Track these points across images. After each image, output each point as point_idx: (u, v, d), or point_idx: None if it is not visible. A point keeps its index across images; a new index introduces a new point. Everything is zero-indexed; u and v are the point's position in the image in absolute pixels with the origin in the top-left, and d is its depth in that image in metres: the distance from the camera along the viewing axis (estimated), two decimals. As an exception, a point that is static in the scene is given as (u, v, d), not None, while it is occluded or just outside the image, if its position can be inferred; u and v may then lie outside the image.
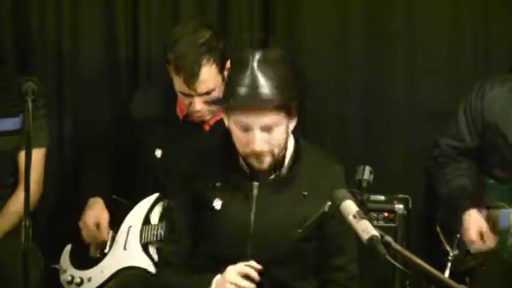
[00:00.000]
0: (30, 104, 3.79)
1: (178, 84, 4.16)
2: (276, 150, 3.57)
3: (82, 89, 4.91)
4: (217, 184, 3.66)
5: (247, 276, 3.52)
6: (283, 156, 3.65)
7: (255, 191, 3.65)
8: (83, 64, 4.90)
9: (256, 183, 3.65)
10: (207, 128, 4.35)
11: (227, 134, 3.65)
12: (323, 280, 3.72)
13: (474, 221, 4.29)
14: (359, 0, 4.89)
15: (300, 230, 3.58)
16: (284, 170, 3.66)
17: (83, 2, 4.86)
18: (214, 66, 4.12)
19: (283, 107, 3.52)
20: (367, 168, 3.29)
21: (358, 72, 4.91)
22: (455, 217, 4.33)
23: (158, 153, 4.37)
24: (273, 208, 3.64)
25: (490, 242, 4.26)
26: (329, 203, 3.49)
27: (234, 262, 3.59)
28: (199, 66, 4.10)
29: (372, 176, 3.29)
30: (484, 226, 4.28)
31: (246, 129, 3.51)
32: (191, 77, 4.10)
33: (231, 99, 3.52)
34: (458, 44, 4.87)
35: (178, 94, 4.21)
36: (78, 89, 4.91)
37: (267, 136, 3.52)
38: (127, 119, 4.46)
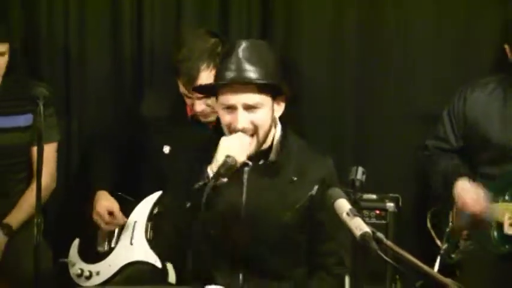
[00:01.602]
0: (41, 108, 3.84)
1: (180, 86, 4.23)
2: (260, 132, 3.60)
3: (88, 89, 4.92)
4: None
5: None
6: (271, 143, 3.69)
7: (245, 176, 3.67)
8: (89, 65, 4.89)
9: (246, 169, 3.66)
10: (211, 127, 4.32)
11: (217, 128, 3.72)
12: (313, 266, 3.74)
13: (467, 188, 4.31)
14: (353, 6, 4.88)
15: (289, 213, 3.63)
16: (272, 156, 3.68)
17: (89, 6, 4.87)
18: (214, 71, 4.09)
19: (267, 89, 3.58)
20: (360, 169, 3.25)
21: (351, 76, 4.89)
22: (450, 193, 4.34)
23: (166, 149, 4.40)
24: (263, 192, 3.66)
25: (484, 205, 4.28)
26: (316, 187, 3.63)
27: (227, 241, 3.65)
28: (198, 71, 4.14)
29: (364, 176, 3.26)
30: (477, 191, 4.29)
31: (231, 108, 3.56)
32: (190, 81, 4.14)
33: (218, 81, 3.60)
34: (442, 50, 4.86)
35: (183, 95, 4.25)
36: (85, 89, 4.91)
37: (250, 116, 3.56)
38: (136, 117, 4.50)
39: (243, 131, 3.55)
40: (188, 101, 4.23)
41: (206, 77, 4.13)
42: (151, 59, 4.91)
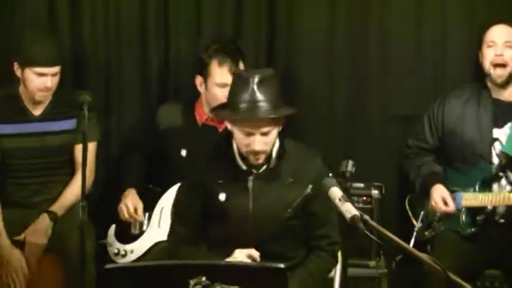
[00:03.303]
0: (86, 112, 3.99)
1: (221, 76, 4.31)
2: (270, 148, 3.64)
3: (124, 97, 4.90)
4: (220, 181, 3.69)
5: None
6: (271, 152, 3.69)
7: (250, 183, 3.68)
8: (124, 76, 4.87)
9: (251, 177, 3.69)
10: (220, 130, 4.40)
11: (225, 140, 3.72)
12: (311, 247, 3.78)
13: (439, 191, 4.36)
14: (342, 21, 4.83)
15: (289, 210, 3.66)
16: (272, 163, 3.69)
17: (123, 24, 4.83)
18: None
19: (277, 118, 3.62)
20: (350, 162, 3.23)
21: (342, 83, 4.87)
22: (426, 193, 4.39)
23: (183, 152, 4.45)
24: (266, 195, 3.69)
25: (451, 206, 4.32)
26: (311, 186, 3.64)
27: (238, 241, 3.67)
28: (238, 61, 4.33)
29: (353, 168, 3.22)
30: (447, 194, 4.34)
31: (249, 134, 3.58)
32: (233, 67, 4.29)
33: (236, 113, 3.58)
34: (422, 60, 4.83)
35: (216, 90, 4.31)
36: (121, 97, 4.89)
37: (264, 139, 3.60)
38: (156, 128, 4.52)
39: (259, 151, 3.59)
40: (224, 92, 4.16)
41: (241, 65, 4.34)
42: (176, 71, 4.88)
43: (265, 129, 3.58)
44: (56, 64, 4.28)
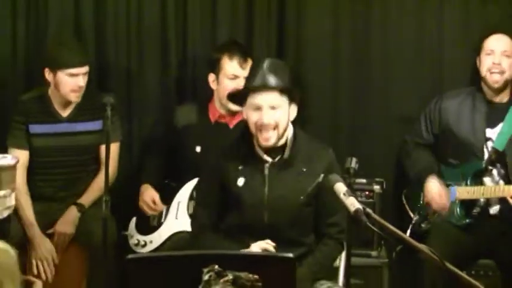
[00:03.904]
0: (109, 112, 4.07)
1: (231, 68, 4.39)
2: (280, 127, 3.67)
3: (144, 99, 4.90)
4: (240, 167, 3.74)
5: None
6: (285, 142, 3.73)
7: (266, 171, 3.72)
8: (145, 80, 4.89)
9: (267, 165, 3.72)
10: (231, 127, 4.48)
11: (245, 132, 3.78)
12: (321, 234, 3.81)
13: (434, 185, 4.39)
14: (345, 29, 4.86)
15: (302, 197, 3.69)
16: (286, 153, 3.73)
17: (143, 32, 4.84)
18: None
19: (284, 94, 3.68)
20: (354, 159, 3.29)
21: (346, 85, 4.90)
22: (421, 187, 4.42)
23: (198, 149, 4.49)
24: (281, 182, 3.72)
25: (446, 199, 4.36)
26: (322, 175, 3.66)
27: (254, 227, 3.69)
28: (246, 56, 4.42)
29: (357, 165, 3.29)
30: (442, 188, 4.38)
31: (258, 108, 3.65)
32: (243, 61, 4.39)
33: (249, 85, 3.71)
34: (421, 64, 4.84)
35: (226, 81, 4.39)
36: (142, 99, 4.91)
37: (273, 113, 3.65)
38: (174, 127, 4.57)
39: (268, 125, 3.65)
40: (234, 83, 4.37)
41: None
42: (193, 73, 4.88)
43: (273, 103, 3.64)
44: (86, 64, 4.37)
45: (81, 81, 4.33)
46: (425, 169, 4.47)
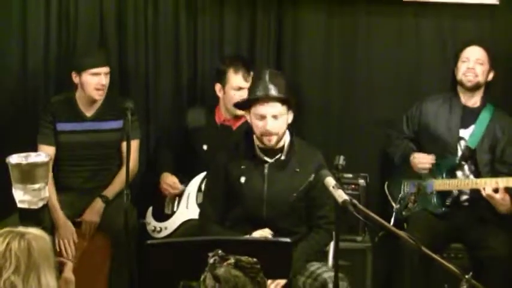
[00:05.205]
0: (129, 115, 4.09)
1: (236, 81, 4.40)
2: (280, 133, 3.75)
3: (160, 103, 4.87)
4: (242, 167, 3.82)
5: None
6: (283, 146, 3.80)
7: (266, 170, 3.80)
8: (160, 86, 4.86)
9: (266, 165, 3.81)
10: (234, 128, 4.50)
11: (247, 134, 3.86)
12: (311, 225, 3.87)
13: (418, 154, 4.44)
14: (336, 45, 4.84)
15: (295, 194, 3.75)
16: (283, 155, 3.81)
17: (159, 43, 4.82)
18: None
19: (284, 102, 3.74)
20: (341, 157, 3.28)
21: (335, 94, 4.88)
22: (405, 159, 4.45)
23: (205, 147, 4.52)
24: (278, 180, 3.80)
25: (430, 159, 4.39)
26: (313, 175, 3.73)
27: (254, 219, 3.77)
28: (249, 69, 4.42)
29: (344, 162, 3.27)
30: (426, 155, 4.42)
31: (262, 117, 3.72)
32: (246, 74, 4.39)
33: (253, 96, 3.75)
34: (400, 75, 4.84)
35: (232, 92, 4.38)
36: (158, 103, 4.88)
37: (275, 122, 3.72)
38: (185, 127, 4.59)
39: (271, 131, 3.71)
40: (240, 93, 4.34)
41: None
42: (203, 81, 4.86)
43: (275, 113, 3.71)
44: (106, 64, 4.46)
45: (103, 79, 4.42)
46: (409, 149, 4.50)
